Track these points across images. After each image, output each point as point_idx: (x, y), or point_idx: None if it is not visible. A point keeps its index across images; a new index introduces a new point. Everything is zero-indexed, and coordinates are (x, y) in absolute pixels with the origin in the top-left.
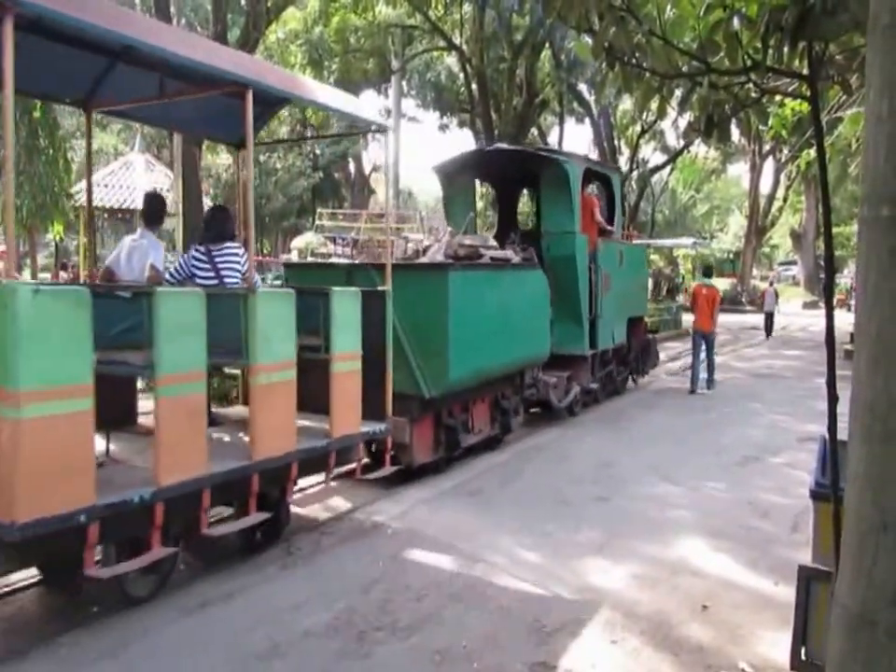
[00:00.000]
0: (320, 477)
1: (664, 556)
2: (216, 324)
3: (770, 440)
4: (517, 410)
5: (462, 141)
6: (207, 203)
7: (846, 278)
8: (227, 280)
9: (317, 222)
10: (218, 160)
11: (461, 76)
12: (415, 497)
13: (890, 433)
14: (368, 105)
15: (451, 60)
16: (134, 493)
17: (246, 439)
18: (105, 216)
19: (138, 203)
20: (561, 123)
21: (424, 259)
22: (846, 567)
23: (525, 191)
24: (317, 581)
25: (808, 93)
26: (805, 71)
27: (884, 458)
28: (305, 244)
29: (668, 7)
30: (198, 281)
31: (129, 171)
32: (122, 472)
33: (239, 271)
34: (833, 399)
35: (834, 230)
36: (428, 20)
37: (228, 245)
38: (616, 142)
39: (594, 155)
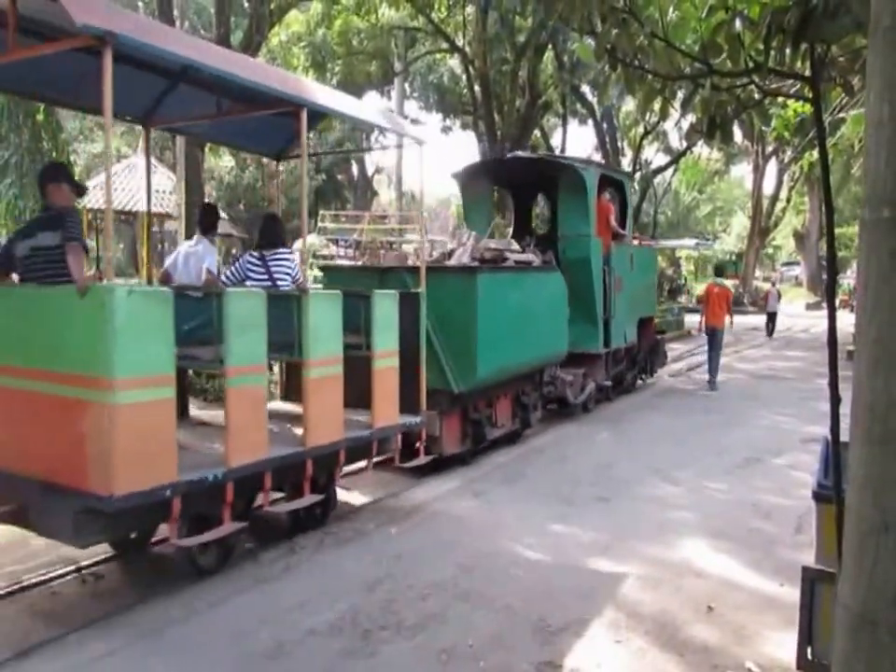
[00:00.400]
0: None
1: (667, 557)
2: (272, 322)
3: (772, 441)
4: (536, 406)
5: (465, 143)
6: None
7: (849, 279)
8: (279, 283)
9: (320, 224)
10: (221, 162)
11: (464, 78)
12: (420, 498)
13: (891, 434)
14: (402, 119)
15: (454, 62)
16: (209, 472)
17: (296, 430)
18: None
19: (142, 205)
20: (564, 125)
21: (451, 262)
22: (847, 568)
23: (538, 196)
24: (321, 580)
25: (811, 95)
26: (808, 72)
27: (884, 459)
28: (307, 245)
29: (670, 9)
30: (252, 283)
31: (132, 173)
32: (192, 456)
33: (289, 274)
34: (835, 401)
35: (837, 230)
36: (431, 22)
37: (280, 250)
38: (619, 143)
39: (596, 157)
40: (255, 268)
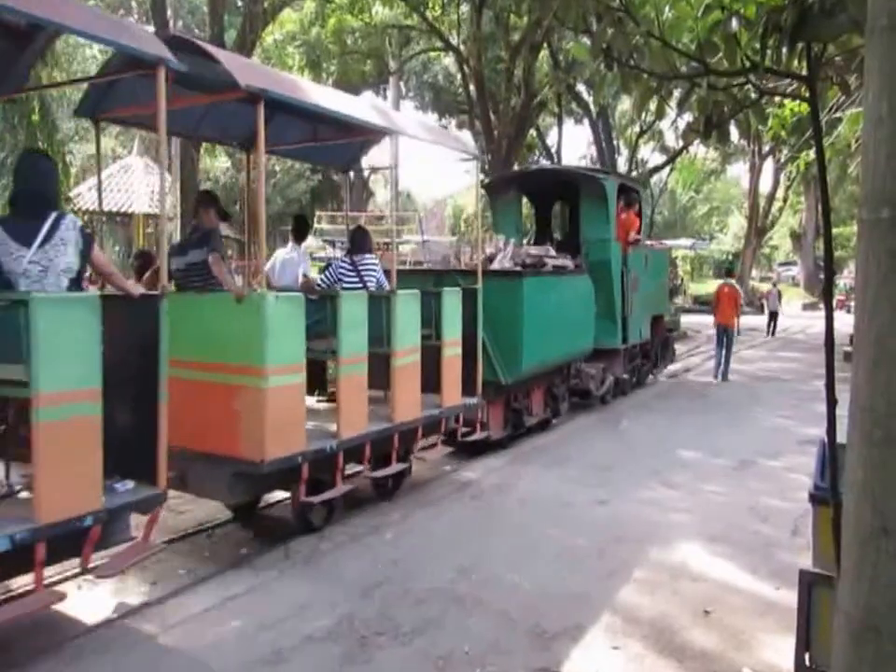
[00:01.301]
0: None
1: (663, 560)
2: (368, 319)
3: (769, 442)
4: (564, 397)
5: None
6: None
7: (846, 278)
8: (369, 284)
9: (316, 225)
10: (217, 163)
11: (459, 76)
12: (414, 501)
13: (890, 438)
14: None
15: (448, 60)
16: (326, 443)
17: (381, 411)
18: (104, 219)
19: (137, 207)
20: (559, 124)
21: (494, 266)
22: (847, 574)
23: (556, 204)
24: (317, 585)
25: (807, 94)
26: (804, 72)
27: (883, 463)
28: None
29: (666, 9)
30: (344, 285)
31: (127, 174)
32: (312, 430)
33: (376, 278)
34: (831, 403)
35: (834, 230)
36: (425, 20)
37: (367, 256)
38: (615, 142)
39: (592, 156)
40: (347, 272)
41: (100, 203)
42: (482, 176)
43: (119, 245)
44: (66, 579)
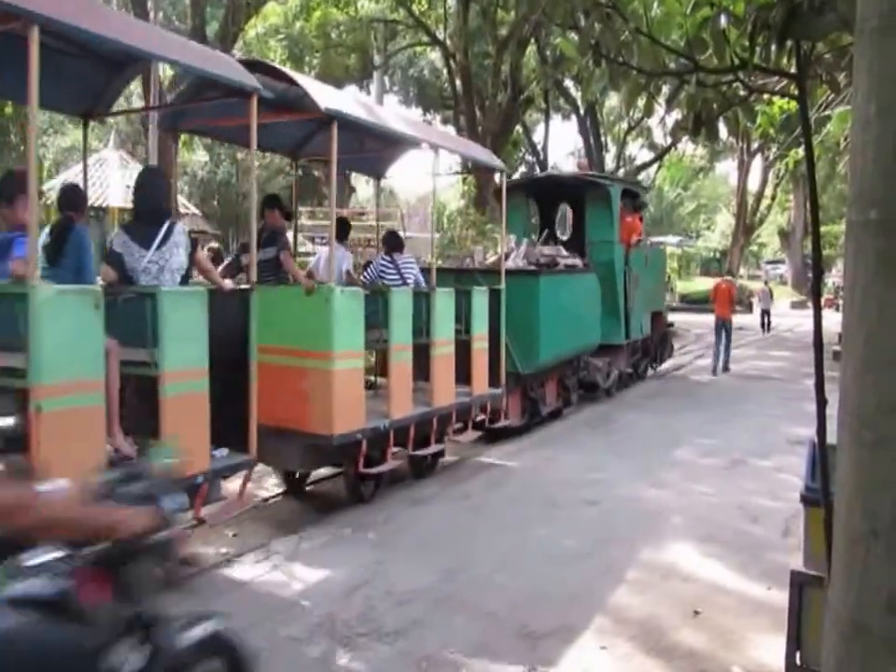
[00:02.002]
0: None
1: (654, 560)
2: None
3: (760, 442)
4: (574, 388)
5: None
6: (182, 200)
7: (834, 277)
8: (408, 281)
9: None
10: (195, 157)
11: (444, 71)
12: (398, 499)
13: (879, 439)
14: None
15: (434, 55)
16: (380, 422)
17: (421, 397)
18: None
19: (112, 201)
20: (546, 120)
21: (509, 265)
22: (837, 575)
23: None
24: (299, 585)
25: (796, 92)
26: (793, 70)
27: (873, 465)
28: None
29: (655, 5)
30: (386, 282)
31: (103, 167)
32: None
33: (413, 274)
34: (821, 403)
35: (823, 228)
36: (412, 14)
37: (406, 255)
38: (603, 139)
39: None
40: (388, 269)
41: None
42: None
43: (93, 239)
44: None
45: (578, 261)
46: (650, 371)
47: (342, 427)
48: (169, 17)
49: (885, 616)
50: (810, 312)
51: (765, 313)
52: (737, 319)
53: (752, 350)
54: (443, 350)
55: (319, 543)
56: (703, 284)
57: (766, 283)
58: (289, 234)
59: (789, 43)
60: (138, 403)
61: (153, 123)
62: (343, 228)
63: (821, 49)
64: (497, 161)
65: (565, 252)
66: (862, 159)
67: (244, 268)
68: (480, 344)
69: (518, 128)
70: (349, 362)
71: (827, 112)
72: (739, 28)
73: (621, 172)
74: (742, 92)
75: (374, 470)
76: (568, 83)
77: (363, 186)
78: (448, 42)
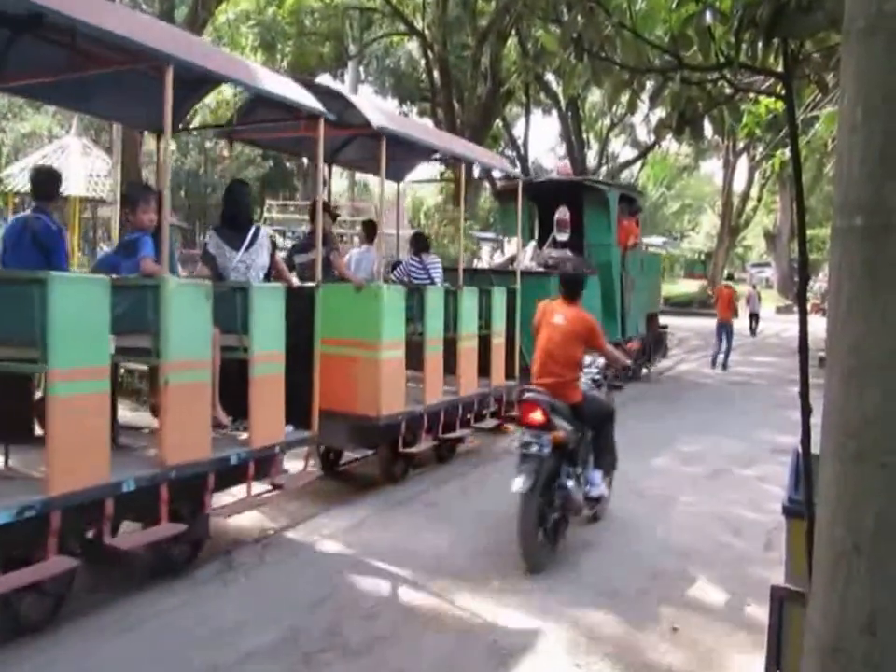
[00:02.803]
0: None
1: (631, 574)
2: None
3: (742, 450)
4: None
5: None
6: None
7: (821, 282)
8: (435, 280)
9: (266, 214)
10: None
11: (422, 62)
12: (368, 508)
13: (864, 452)
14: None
15: (412, 45)
16: (417, 407)
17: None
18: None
19: (73, 190)
20: (527, 114)
21: (517, 266)
22: (818, 592)
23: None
24: (260, 598)
25: (783, 92)
26: (780, 68)
27: (857, 479)
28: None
29: (639, 0)
30: (414, 281)
31: (64, 155)
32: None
33: (439, 273)
34: (806, 412)
35: (809, 232)
36: (389, 2)
37: (432, 255)
38: (585, 135)
39: (561, 149)
40: (417, 269)
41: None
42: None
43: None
44: (259, 494)
45: (584, 263)
46: (643, 371)
47: (386, 409)
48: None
49: (866, 636)
50: (796, 317)
51: (753, 316)
52: None
53: (737, 356)
54: (469, 344)
55: (284, 554)
56: (687, 287)
57: (755, 286)
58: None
59: (776, 41)
60: (223, 383)
61: None
62: (370, 230)
63: (809, 48)
64: (514, 170)
65: (570, 255)
66: (848, 163)
67: (296, 266)
68: (498, 340)
69: (498, 122)
70: (393, 352)
71: (815, 112)
72: (725, 25)
73: (603, 169)
74: (728, 91)
75: (414, 450)
76: (550, 77)
77: (336, 179)
78: (426, 32)
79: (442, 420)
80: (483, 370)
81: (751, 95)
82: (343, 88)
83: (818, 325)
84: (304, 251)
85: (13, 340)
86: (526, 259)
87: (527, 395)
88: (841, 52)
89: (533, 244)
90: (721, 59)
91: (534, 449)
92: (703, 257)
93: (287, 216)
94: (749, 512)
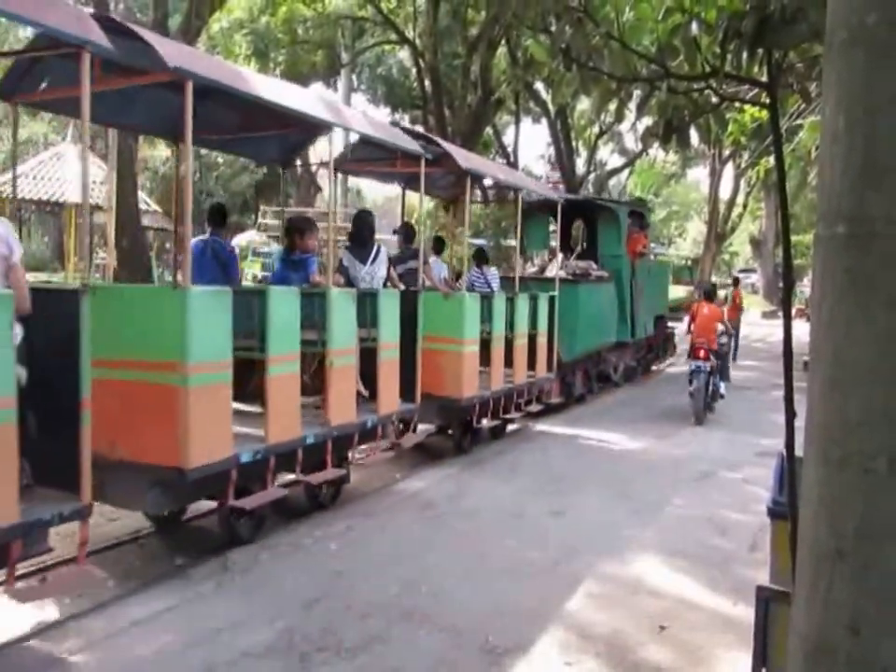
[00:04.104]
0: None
1: (621, 574)
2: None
3: (728, 454)
4: (594, 377)
5: None
6: (143, 196)
7: (805, 287)
8: (493, 288)
9: (260, 220)
10: (156, 152)
11: (413, 71)
12: (359, 511)
13: (847, 457)
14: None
15: (403, 54)
16: (486, 392)
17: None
18: (34, 208)
19: (69, 196)
20: (517, 123)
21: (547, 275)
22: (801, 594)
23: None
24: (256, 598)
25: (768, 101)
26: (765, 78)
27: (840, 483)
28: (247, 242)
29: (626, 10)
30: (476, 289)
31: (60, 162)
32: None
33: (498, 282)
34: (790, 416)
35: (794, 238)
36: (380, 12)
37: (492, 268)
38: (574, 143)
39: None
40: (478, 278)
41: (14, 193)
42: None
43: (48, 235)
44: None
45: (604, 273)
46: (653, 368)
47: (467, 392)
48: (130, 8)
49: (849, 637)
50: (781, 322)
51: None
52: None
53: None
54: (521, 342)
55: (279, 554)
56: (675, 292)
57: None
58: (252, 233)
59: (760, 52)
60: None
61: None
62: (440, 244)
63: (793, 58)
64: (555, 195)
65: (593, 265)
66: (831, 172)
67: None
68: (542, 339)
69: (489, 130)
70: (473, 347)
71: (798, 121)
72: (711, 36)
73: (591, 177)
74: (713, 100)
75: (483, 425)
76: (539, 86)
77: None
78: (417, 41)
79: (502, 404)
80: (529, 364)
81: (737, 104)
82: (338, 96)
83: (802, 329)
84: (402, 262)
85: (245, 334)
86: (555, 269)
87: (698, 342)
88: (823, 63)
89: (561, 256)
90: (707, 69)
91: (701, 369)
92: (690, 263)
93: (280, 221)
94: (735, 514)
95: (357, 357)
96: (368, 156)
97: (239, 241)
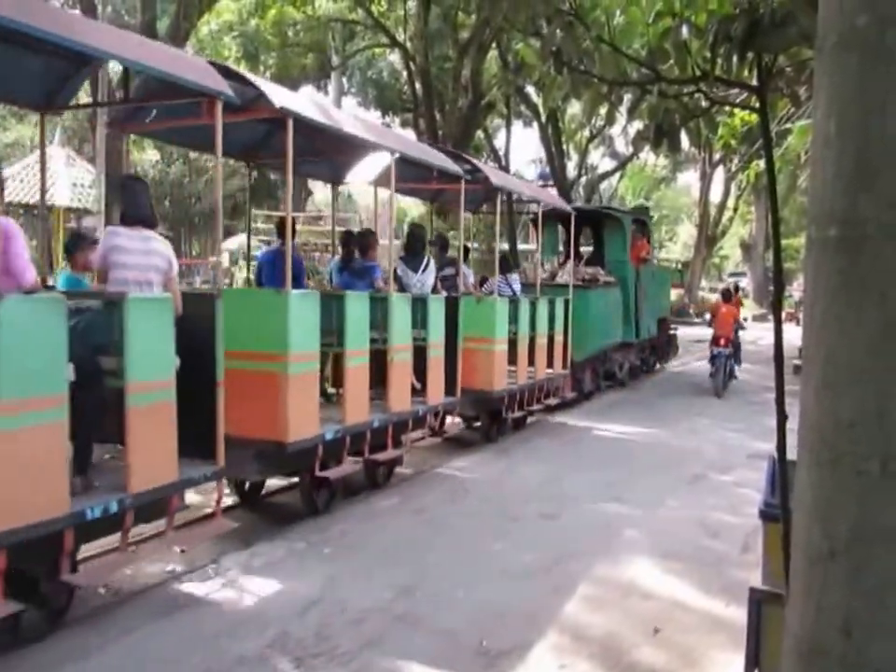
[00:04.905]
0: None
1: (614, 577)
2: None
3: (720, 456)
4: (602, 375)
5: None
6: None
7: (795, 291)
8: (517, 292)
9: (252, 224)
10: (145, 155)
11: (404, 74)
12: (350, 515)
13: (839, 458)
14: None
15: (394, 57)
16: (513, 386)
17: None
18: (21, 212)
19: (58, 200)
20: (508, 126)
21: (558, 281)
22: (795, 596)
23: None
24: (250, 603)
25: (757, 104)
26: (755, 82)
27: (832, 485)
28: (238, 245)
29: (617, 14)
30: (503, 294)
31: (48, 165)
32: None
33: (520, 287)
34: (781, 418)
35: (784, 241)
36: (371, 15)
37: (514, 275)
38: (564, 146)
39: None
40: (503, 285)
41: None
42: None
43: (36, 238)
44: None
45: (611, 278)
46: (657, 366)
47: (497, 386)
48: (118, 10)
49: (842, 639)
50: (771, 325)
51: None
52: (696, 332)
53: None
54: (542, 341)
55: (272, 558)
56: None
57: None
58: (243, 238)
59: (750, 55)
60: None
61: (101, 121)
62: (465, 252)
63: (783, 62)
64: (567, 207)
65: (601, 271)
66: (822, 176)
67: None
68: (559, 339)
69: (479, 133)
70: (503, 345)
71: (788, 125)
72: (701, 39)
73: (583, 180)
74: (704, 104)
75: (509, 416)
76: (530, 89)
77: (320, 189)
78: (408, 44)
79: (526, 397)
80: (547, 361)
81: (727, 108)
82: (327, 99)
83: (793, 333)
84: (441, 269)
85: (325, 332)
86: (566, 275)
87: (718, 333)
88: (814, 67)
89: (571, 262)
90: (698, 72)
91: (721, 353)
92: (680, 266)
93: (271, 226)
94: (728, 516)
95: (411, 353)
96: (405, 174)
97: (229, 245)
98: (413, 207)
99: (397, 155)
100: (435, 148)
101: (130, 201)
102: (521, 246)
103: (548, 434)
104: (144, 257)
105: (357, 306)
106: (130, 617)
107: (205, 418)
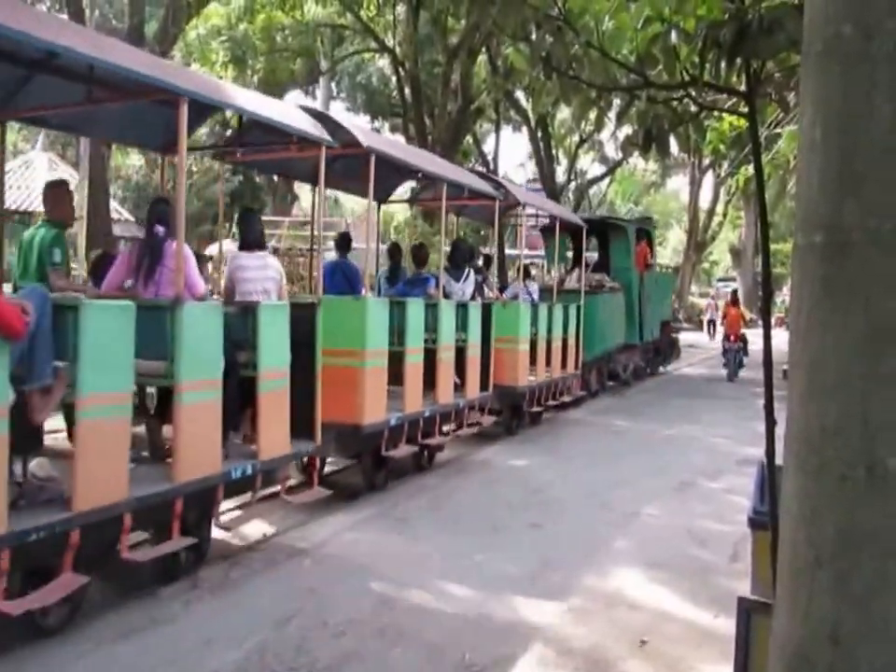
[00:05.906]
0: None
1: (599, 587)
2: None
3: (708, 463)
4: (606, 376)
5: None
6: (115, 206)
7: (784, 296)
8: (535, 298)
9: (235, 229)
10: (129, 161)
11: (393, 79)
12: (342, 523)
13: (825, 465)
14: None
15: (383, 62)
16: (534, 384)
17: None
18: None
19: (39, 205)
20: (497, 131)
21: (567, 287)
22: (782, 604)
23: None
24: (226, 616)
25: (746, 110)
26: (743, 87)
27: (818, 492)
28: (221, 251)
29: (606, 19)
30: (522, 299)
31: (29, 170)
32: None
33: (538, 293)
34: (770, 424)
35: (773, 247)
36: (360, 20)
37: (533, 282)
38: (554, 151)
39: (531, 165)
40: (523, 292)
41: None
42: None
43: (16, 246)
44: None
45: (616, 284)
46: (660, 369)
47: (522, 382)
48: (106, 15)
49: (830, 648)
50: (761, 330)
51: (711, 323)
52: (687, 337)
53: (703, 369)
54: (558, 343)
55: (250, 571)
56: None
57: (713, 297)
58: (227, 242)
59: (739, 61)
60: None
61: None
62: (486, 261)
63: (771, 67)
64: (578, 220)
65: (607, 277)
66: (808, 182)
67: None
68: (572, 341)
69: (469, 138)
70: (525, 346)
71: (777, 130)
72: (690, 45)
73: (572, 185)
74: (693, 109)
75: (537, 409)
76: (519, 94)
77: (306, 193)
78: (397, 49)
79: (547, 392)
80: (561, 361)
81: (716, 113)
82: (316, 104)
83: (782, 338)
84: (467, 277)
85: (394, 333)
86: (574, 281)
87: (729, 331)
88: (800, 73)
89: (578, 270)
90: (686, 78)
91: (732, 348)
92: (670, 271)
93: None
94: (716, 524)
95: (454, 353)
96: (437, 192)
97: (213, 250)
98: (399, 212)
99: (445, 183)
100: (466, 169)
101: (247, 229)
102: (507, 251)
103: (565, 428)
104: (261, 272)
105: (416, 311)
106: (103, 631)
107: (307, 404)
